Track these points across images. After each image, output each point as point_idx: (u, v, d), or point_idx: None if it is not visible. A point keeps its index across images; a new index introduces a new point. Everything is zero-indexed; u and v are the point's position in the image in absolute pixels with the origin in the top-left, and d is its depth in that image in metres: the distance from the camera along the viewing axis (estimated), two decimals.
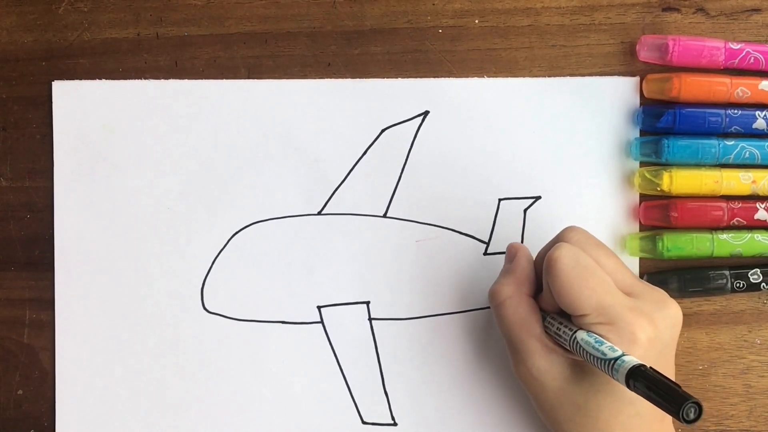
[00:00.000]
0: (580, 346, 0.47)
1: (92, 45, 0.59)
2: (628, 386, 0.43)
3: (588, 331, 0.48)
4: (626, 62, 0.58)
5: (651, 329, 0.48)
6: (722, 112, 0.56)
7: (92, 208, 0.58)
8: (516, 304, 0.51)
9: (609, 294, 0.48)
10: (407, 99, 0.58)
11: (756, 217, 0.56)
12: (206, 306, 0.58)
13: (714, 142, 0.56)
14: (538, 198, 0.58)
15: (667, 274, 0.57)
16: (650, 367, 0.43)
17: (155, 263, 0.58)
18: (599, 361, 0.45)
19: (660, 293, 0.50)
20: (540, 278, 0.52)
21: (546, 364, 0.50)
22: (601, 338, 0.47)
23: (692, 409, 0.40)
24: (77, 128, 0.58)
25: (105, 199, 0.58)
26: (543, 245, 0.53)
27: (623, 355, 0.44)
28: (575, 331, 0.48)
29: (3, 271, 0.59)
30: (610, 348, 0.45)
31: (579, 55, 0.58)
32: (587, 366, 0.49)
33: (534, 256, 0.53)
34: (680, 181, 0.56)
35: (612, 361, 0.44)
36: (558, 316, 0.50)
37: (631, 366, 0.43)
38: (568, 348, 0.48)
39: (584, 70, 0.58)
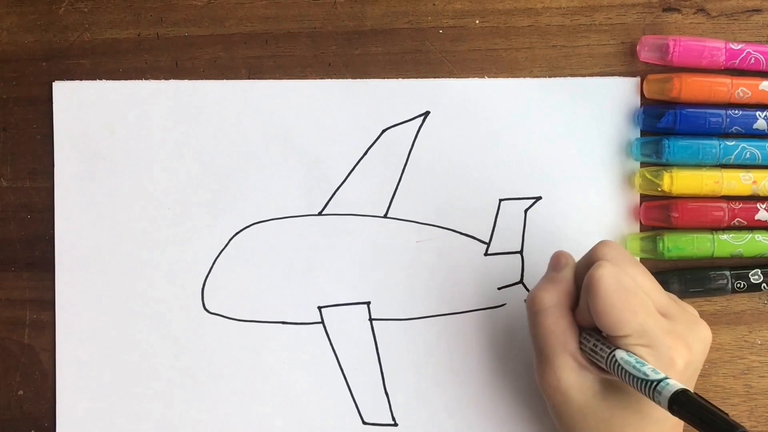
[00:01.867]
0: (619, 365, 0.46)
1: (93, 45, 0.59)
2: (671, 410, 0.43)
3: (627, 351, 0.47)
4: (627, 63, 0.58)
5: (687, 354, 0.47)
6: (723, 112, 0.56)
7: (93, 208, 0.58)
8: (557, 315, 0.50)
9: (650, 316, 0.47)
10: (408, 99, 0.58)
11: (756, 217, 0.56)
12: (207, 306, 0.58)
13: (714, 142, 0.56)
14: (538, 198, 0.58)
15: (668, 275, 0.57)
16: (695, 393, 0.43)
17: (156, 264, 0.58)
18: (640, 381, 0.45)
19: (691, 313, 0.50)
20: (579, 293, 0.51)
21: (575, 380, 0.49)
22: (641, 359, 0.46)
23: None
24: (78, 129, 0.58)
25: (105, 199, 0.58)
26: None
27: (666, 378, 0.44)
28: (614, 350, 0.47)
29: (3, 272, 0.59)
30: (653, 370, 0.45)
31: (579, 55, 0.58)
32: (615, 383, 0.49)
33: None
34: (681, 181, 0.56)
35: (654, 383, 0.44)
36: (595, 333, 0.49)
37: (675, 390, 0.43)
38: (604, 366, 0.48)
39: (585, 70, 0.58)
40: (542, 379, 0.50)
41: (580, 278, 0.50)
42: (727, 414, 0.41)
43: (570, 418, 0.50)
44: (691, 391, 0.43)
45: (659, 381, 0.44)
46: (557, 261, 0.52)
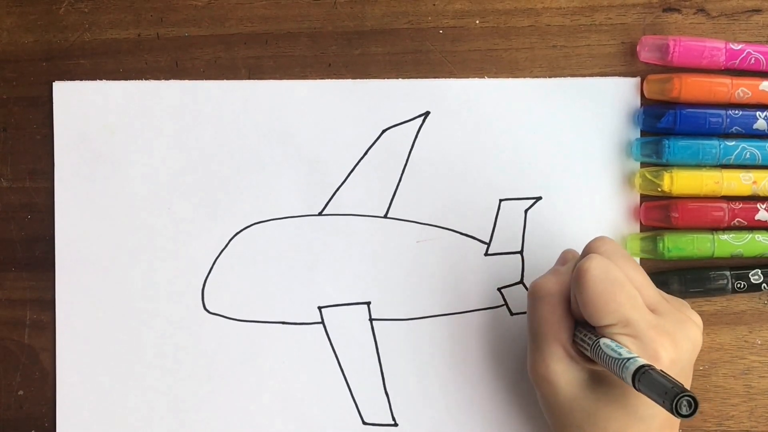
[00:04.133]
0: (601, 349, 0.46)
1: (93, 45, 0.59)
2: (633, 385, 0.43)
3: (612, 339, 0.47)
4: (627, 63, 0.58)
5: (673, 350, 0.47)
6: (723, 112, 0.56)
7: (93, 208, 0.58)
8: (555, 304, 0.50)
9: (635, 309, 0.48)
10: (408, 99, 0.58)
11: (757, 217, 0.56)
12: (207, 306, 0.58)
13: (715, 142, 0.56)
14: (538, 198, 0.58)
15: (668, 275, 0.57)
16: (660, 370, 0.43)
17: (156, 264, 0.58)
18: (613, 362, 0.45)
19: (682, 313, 0.50)
20: None
21: (563, 369, 0.49)
22: (623, 345, 0.47)
23: (685, 403, 0.40)
24: (78, 129, 0.58)
25: (105, 199, 0.58)
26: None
27: (636, 357, 0.44)
28: (599, 338, 0.47)
29: (4, 272, 0.59)
30: (628, 352, 0.45)
31: (580, 55, 0.58)
32: (604, 377, 0.49)
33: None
34: (681, 181, 0.56)
35: (624, 361, 0.44)
36: (586, 326, 0.49)
37: (639, 365, 0.43)
38: (590, 355, 0.48)
39: (585, 70, 0.58)
40: (532, 367, 0.51)
41: None
42: (682, 385, 0.41)
43: (556, 409, 0.50)
44: (660, 369, 0.43)
45: (628, 359, 0.44)
46: (563, 256, 0.54)
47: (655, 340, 0.47)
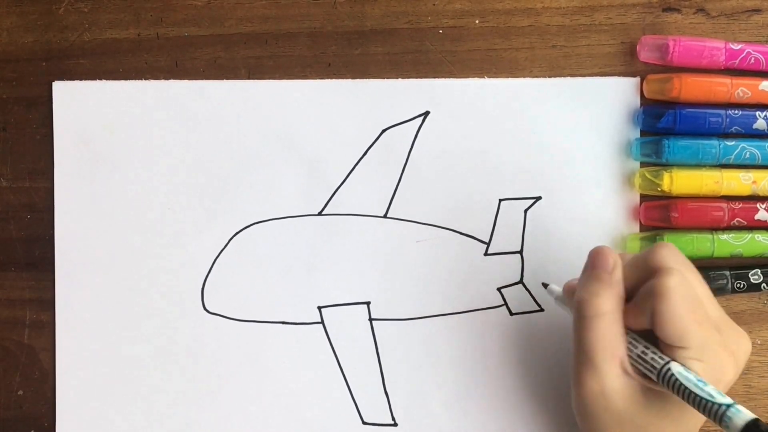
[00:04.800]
0: (677, 380, 0.45)
1: (92, 45, 0.59)
2: None
3: (681, 364, 0.46)
4: (627, 63, 0.58)
5: (735, 369, 0.47)
6: (723, 112, 0.56)
7: (93, 208, 0.58)
8: (611, 323, 0.48)
9: (710, 331, 0.47)
10: (408, 99, 0.58)
11: (756, 217, 0.56)
12: (207, 306, 0.58)
13: (714, 142, 0.56)
14: (538, 198, 0.58)
15: None
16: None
17: (155, 264, 0.58)
18: (703, 402, 0.44)
19: (735, 326, 0.49)
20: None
21: (620, 386, 0.47)
22: (700, 377, 0.45)
23: None
24: (77, 129, 0.58)
25: (105, 199, 0.58)
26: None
27: (734, 403, 0.43)
28: (668, 362, 0.46)
29: (3, 272, 0.59)
30: (718, 392, 0.44)
31: (579, 55, 0.58)
32: (655, 390, 0.47)
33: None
34: (681, 181, 0.56)
35: (723, 408, 0.43)
36: (642, 339, 0.48)
37: (749, 420, 0.42)
38: (654, 378, 0.47)
39: (585, 70, 0.58)
40: (583, 384, 0.48)
41: (626, 279, 0.49)
42: None
43: (603, 423, 0.48)
44: (761, 420, 0.42)
45: (729, 406, 0.43)
46: (605, 260, 0.49)
47: (723, 363, 0.47)
